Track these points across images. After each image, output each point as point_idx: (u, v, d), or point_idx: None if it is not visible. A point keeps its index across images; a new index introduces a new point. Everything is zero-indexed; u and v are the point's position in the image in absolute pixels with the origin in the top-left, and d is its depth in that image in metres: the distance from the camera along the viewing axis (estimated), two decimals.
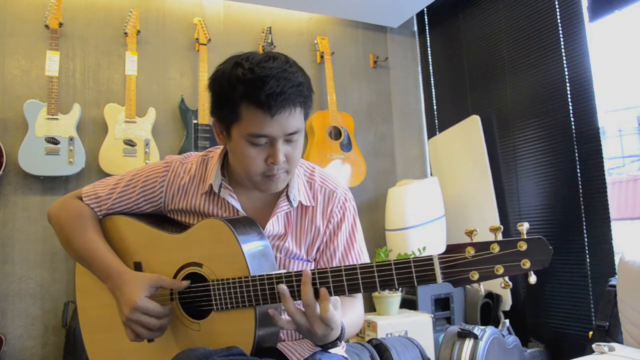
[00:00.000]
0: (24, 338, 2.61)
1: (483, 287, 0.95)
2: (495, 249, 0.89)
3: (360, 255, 1.26)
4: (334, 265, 1.22)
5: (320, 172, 1.29)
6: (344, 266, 0.99)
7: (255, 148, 1.09)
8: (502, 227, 0.90)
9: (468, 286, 2.90)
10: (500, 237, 0.91)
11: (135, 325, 1.08)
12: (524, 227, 0.88)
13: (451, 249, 0.93)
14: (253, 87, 1.03)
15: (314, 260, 1.26)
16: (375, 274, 0.96)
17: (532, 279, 0.88)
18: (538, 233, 0.89)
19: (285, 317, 1.03)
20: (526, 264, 0.88)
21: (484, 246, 0.90)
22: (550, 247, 0.87)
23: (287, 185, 1.20)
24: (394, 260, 0.96)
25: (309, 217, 1.23)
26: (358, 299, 1.26)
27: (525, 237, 0.89)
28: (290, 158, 1.11)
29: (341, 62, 3.52)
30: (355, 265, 0.99)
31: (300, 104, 1.08)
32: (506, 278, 0.91)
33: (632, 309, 1.93)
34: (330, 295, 1.00)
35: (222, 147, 1.24)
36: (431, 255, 0.93)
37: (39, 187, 2.69)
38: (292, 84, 1.04)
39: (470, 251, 0.91)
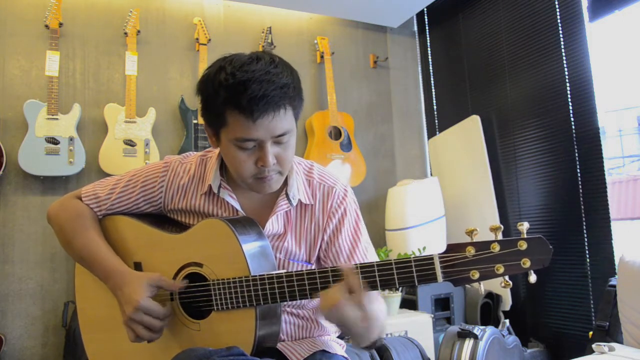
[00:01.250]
0: (24, 338, 2.61)
1: (483, 287, 0.95)
2: (496, 248, 0.90)
3: (367, 250, 1.25)
4: (342, 262, 1.22)
5: (318, 169, 1.28)
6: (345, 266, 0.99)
7: (245, 152, 1.08)
8: (502, 226, 0.90)
9: (468, 286, 2.92)
10: (500, 237, 0.91)
11: (137, 326, 1.07)
12: (524, 226, 0.88)
13: (451, 248, 0.93)
14: (235, 92, 1.02)
15: (320, 259, 1.25)
16: (376, 274, 0.96)
17: (532, 278, 0.88)
18: (538, 233, 0.90)
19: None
20: (526, 263, 0.88)
21: (484, 245, 0.90)
22: (550, 247, 0.88)
23: (287, 184, 1.20)
24: (394, 259, 0.96)
25: (309, 215, 1.23)
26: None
27: (525, 236, 0.89)
28: (281, 159, 1.11)
29: (341, 62, 3.52)
30: (355, 265, 0.98)
31: (285, 105, 1.06)
32: (506, 277, 0.91)
33: (632, 309, 1.93)
34: None
35: None
36: (432, 255, 0.93)
37: (39, 187, 2.69)
38: (275, 86, 1.03)
39: (471, 250, 0.91)
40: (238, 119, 1.04)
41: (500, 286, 0.91)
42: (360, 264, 0.98)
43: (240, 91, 1.01)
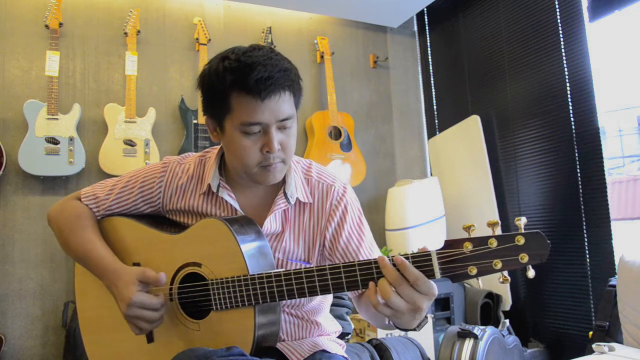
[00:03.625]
0: (24, 338, 2.61)
1: (482, 283, 0.95)
2: (493, 243, 0.89)
3: (372, 248, 1.23)
4: (350, 258, 1.20)
5: (317, 167, 1.28)
6: (343, 264, 0.99)
7: (250, 138, 1.09)
8: (499, 222, 0.90)
9: (468, 286, 2.91)
10: (498, 232, 0.91)
11: (136, 320, 1.08)
12: (522, 221, 0.88)
13: (449, 244, 0.92)
14: (241, 74, 1.04)
15: (326, 259, 1.24)
16: (374, 271, 0.96)
17: (531, 273, 0.88)
18: None
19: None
20: (524, 258, 0.87)
21: (482, 241, 0.90)
22: (548, 241, 0.87)
23: (285, 182, 1.20)
24: (392, 256, 0.95)
25: (307, 214, 1.22)
26: None
27: (523, 231, 0.89)
28: (285, 146, 1.11)
29: (341, 62, 3.53)
30: (354, 262, 0.98)
31: (289, 87, 1.09)
32: (505, 273, 0.90)
33: (632, 309, 1.93)
34: (329, 292, 1.00)
35: (219, 147, 1.24)
36: (429, 251, 0.93)
37: (39, 187, 2.70)
38: (279, 68, 1.06)
39: (468, 246, 0.90)
40: (245, 101, 1.05)
41: (498, 282, 0.91)
42: (359, 261, 0.98)
43: (246, 72, 1.04)
